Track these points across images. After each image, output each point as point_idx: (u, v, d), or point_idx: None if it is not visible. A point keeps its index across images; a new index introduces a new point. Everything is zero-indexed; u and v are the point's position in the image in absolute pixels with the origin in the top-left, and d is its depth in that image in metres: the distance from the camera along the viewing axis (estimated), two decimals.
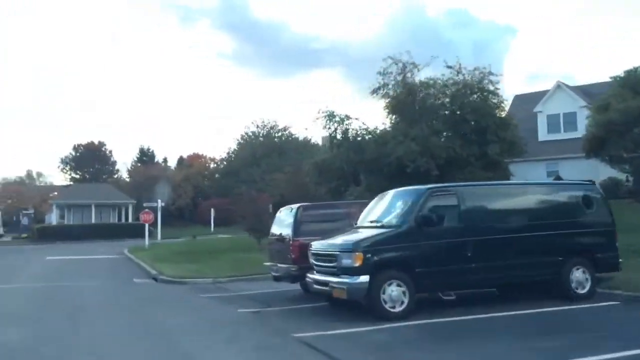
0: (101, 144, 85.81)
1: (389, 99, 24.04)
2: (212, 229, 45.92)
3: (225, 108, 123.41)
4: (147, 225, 31.52)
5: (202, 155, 79.39)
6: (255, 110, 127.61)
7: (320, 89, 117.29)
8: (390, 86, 23.70)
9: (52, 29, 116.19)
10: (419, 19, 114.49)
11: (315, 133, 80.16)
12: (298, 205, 12.76)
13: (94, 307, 12.40)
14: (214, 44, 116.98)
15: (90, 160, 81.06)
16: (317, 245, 10.70)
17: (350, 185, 23.60)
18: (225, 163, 71.92)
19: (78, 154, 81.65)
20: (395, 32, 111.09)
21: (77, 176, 79.23)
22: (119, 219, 51.78)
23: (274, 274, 13.18)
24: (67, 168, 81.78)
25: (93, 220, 48.88)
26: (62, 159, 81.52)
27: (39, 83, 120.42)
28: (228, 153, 72.32)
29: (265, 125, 70.46)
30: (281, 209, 13.87)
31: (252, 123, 71.77)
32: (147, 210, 32.34)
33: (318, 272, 10.48)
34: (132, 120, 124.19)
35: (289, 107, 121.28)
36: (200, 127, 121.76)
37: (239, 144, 71.38)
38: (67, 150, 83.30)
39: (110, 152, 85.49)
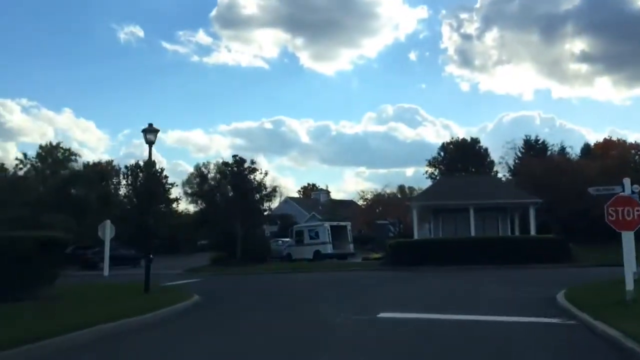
0: (474, 141, 69.60)
1: None
2: None
3: None
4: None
5: (619, 140, 55.29)
6: None
7: None
8: None
9: None
10: None
11: None
12: None
13: None
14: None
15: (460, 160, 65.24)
16: None
17: None
18: None
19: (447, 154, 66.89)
20: None
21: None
22: (513, 229, 32.83)
23: None
24: (433, 172, 67.58)
25: (473, 232, 30.81)
26: (429, 161, 68.05)
27: None
28: None
29: None
30: None
31: None
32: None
33: None
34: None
35: None
36: None
37: None
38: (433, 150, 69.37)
39: (486, 149, 68.55)
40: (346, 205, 74.06)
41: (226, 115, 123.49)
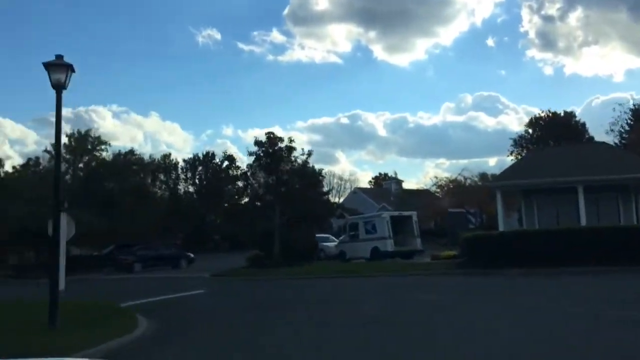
0: (569, 115, 59.36)
1: None
2: None
3: None
4: None
5: None
6: None
7: None
8: None
9: None
10: None
11: None
12: None
13: None
14: None
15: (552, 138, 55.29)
16: None
17: None
18: None
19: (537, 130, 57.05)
20: None
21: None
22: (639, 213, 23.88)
23: None
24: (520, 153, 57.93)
25: (583, 219, 22.32)
26: (514, 140, 58.49)
27: None
28: None
29: None
30: None
31: None
32: None
33: None
34: None
35: None
36: None
37: None
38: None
39: (583, 124, 58.13)
40: (420, 195, 66.12)
41: (302, 112, 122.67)
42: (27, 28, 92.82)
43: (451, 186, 47.45)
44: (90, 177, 39.51)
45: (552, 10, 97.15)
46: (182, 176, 75.71)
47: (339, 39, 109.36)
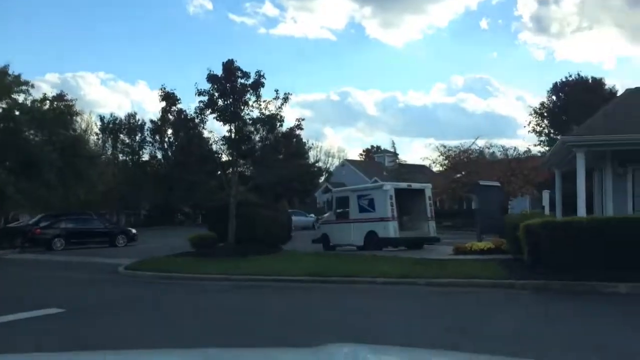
0: (597, 82, 50.66)
1: None
2: None
3: None
4: None
5: None
6: None
7: None
8: None
9: None
10: None
11: None
12: None
13: None
14: None
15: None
16: None
17: None
18: None
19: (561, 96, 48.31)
20: None
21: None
22: None
23: None
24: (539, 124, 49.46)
25: None
26: (535, 110, 49.87)
27: None
28: None
29: None
30: None
31: None
32: None
33: None
34: None
35: None
36: None
37: None
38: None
39: (615, 91, 49.58)
40: (417, 170, 57.70)
41: (293, 87, 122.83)
42: None
43: (464, 159, 38.77)
44: (6, 128, 30.46)
45: None
46: (149, 139, 66.78)
47: (332, 14, 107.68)
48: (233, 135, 20.59)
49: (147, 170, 64.20)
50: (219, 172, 22.01)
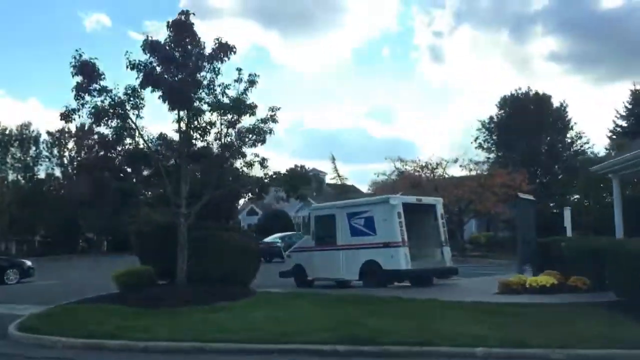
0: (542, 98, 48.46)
1: None
2: None
3: None
4: None
5: None
6: None
7: None
8: None
9: None
10: None
11: None
12: None
13: None
14: None
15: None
16: None
17: None
18: None
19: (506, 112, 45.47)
20: None
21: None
22: None
23: None
24: (488, 138, 46.43)
25: None
26: (482, 123, 46.68)
27: None
28: None
29: None
30: None
31: None
32: None
33: None
34: None
35: None
36: None
37: None
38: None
39: (565, 106, 47.46)
40: (348, 191, 53.05)
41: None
42: None
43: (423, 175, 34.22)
44: None
45: (443, 25, 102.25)
46: (46, 153, 57.70)
47: (236, 35, 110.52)
48: (184, 126, 14.45)
49: (43, 189, 55.23)
50: (157, 180, 15.57)
